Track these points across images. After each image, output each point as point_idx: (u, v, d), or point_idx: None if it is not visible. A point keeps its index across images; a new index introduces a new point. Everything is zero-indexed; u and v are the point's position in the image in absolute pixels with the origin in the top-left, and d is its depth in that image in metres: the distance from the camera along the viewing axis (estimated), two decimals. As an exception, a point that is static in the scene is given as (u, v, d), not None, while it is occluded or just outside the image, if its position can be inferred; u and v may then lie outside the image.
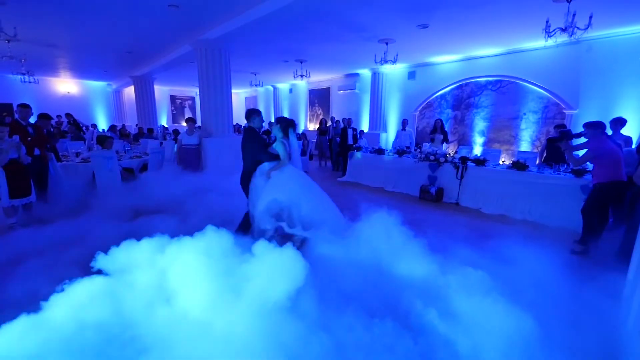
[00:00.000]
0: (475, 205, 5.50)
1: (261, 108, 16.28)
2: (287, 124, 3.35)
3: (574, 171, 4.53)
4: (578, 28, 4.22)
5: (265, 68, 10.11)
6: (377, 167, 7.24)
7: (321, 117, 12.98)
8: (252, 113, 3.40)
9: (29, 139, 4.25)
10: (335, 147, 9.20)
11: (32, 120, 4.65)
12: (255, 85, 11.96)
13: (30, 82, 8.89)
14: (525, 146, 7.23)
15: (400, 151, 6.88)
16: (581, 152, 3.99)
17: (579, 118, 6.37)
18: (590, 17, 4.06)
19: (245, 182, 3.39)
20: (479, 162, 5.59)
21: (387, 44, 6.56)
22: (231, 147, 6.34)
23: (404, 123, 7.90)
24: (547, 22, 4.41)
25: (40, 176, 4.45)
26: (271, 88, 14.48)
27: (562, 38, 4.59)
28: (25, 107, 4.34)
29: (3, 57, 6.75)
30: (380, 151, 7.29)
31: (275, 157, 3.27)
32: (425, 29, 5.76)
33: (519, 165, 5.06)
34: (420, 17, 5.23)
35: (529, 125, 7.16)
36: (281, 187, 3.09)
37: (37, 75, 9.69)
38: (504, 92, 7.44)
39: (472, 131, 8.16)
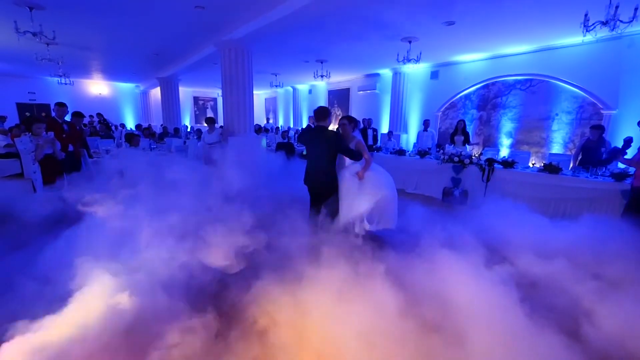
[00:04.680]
0: (503, 209, 5.24)
1: (280, 109, 16.43)
2: (356, 124, 3.49)
3: (613, 175, 4.22)
4: (621, 21, 3.93)
5: (286, 69, 10.19)
6: (397, 168, 7.07)
7: (340, 117, 12.93)
8: (328, 113, 3.33)
9: (64, 135, 4.47)
10: (355, 147, 9.10)
11: (67, 118, 4.90)
12: (276, 86, 12.08)
13: (66, 84, 9.41)
14: (557, 148, 6.83)
15: (422, 152, 6.70)
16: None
17: (618, 119, 5.95)
18: (636, 9, 3.77)
19: (318, 179, 3.35)
20: (507, 164, 5.33)
21: (410, 42, 6.41)
22: (252, 146, 6.44)
23: (425, 124, 7.69)
24: (586, 15, 4.14)
25: (73, 171, 4.67)
26: (291, 89, 14.58)
27: (602, 32, 4.30)
28: (61, 106, 4.58)
29: (42, 60, 7.18)
30: (401, 152, 7.14)
31: (357, 156, 3.30)
32: (452, 26, 5.58)
33: (551, 168, 4.78)
34: (446, 13, 5.07)
35: (562, 127, 6.77)
36: (382, 187, 3.29)
37: (72, 77, 10.26)
38: (534, 91, 7.08)
39: (498, 132, 7.82)
